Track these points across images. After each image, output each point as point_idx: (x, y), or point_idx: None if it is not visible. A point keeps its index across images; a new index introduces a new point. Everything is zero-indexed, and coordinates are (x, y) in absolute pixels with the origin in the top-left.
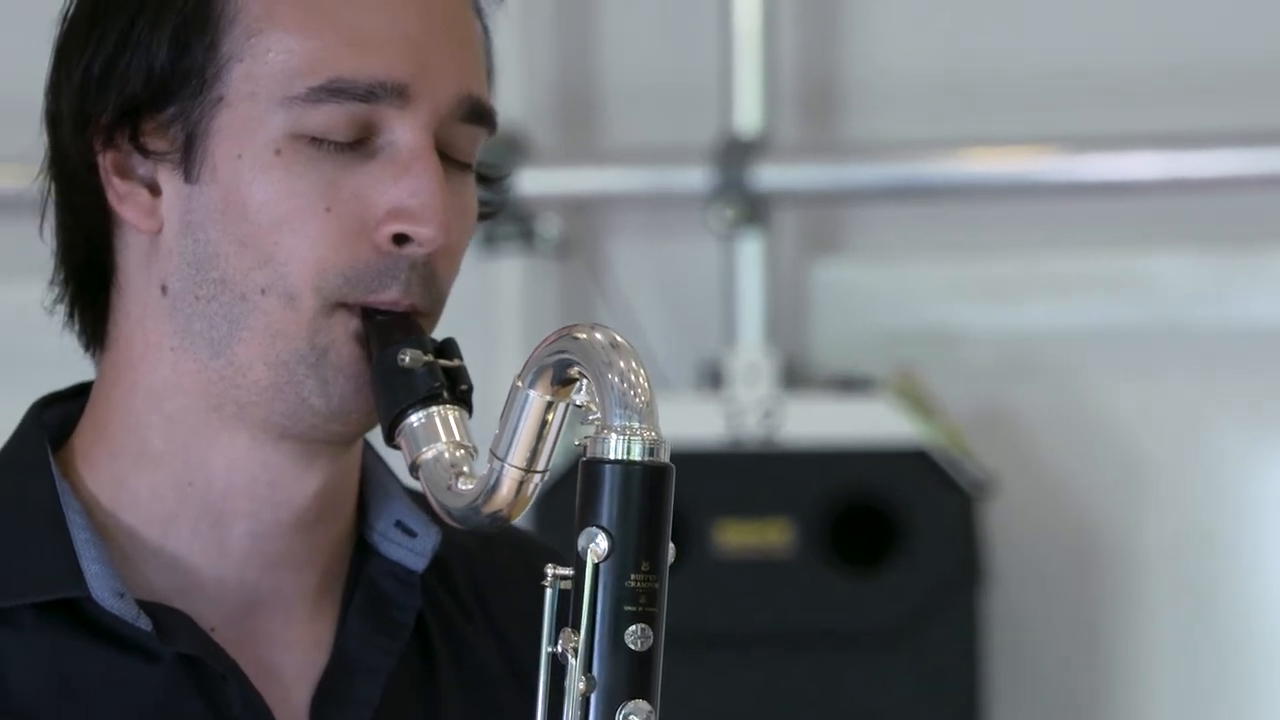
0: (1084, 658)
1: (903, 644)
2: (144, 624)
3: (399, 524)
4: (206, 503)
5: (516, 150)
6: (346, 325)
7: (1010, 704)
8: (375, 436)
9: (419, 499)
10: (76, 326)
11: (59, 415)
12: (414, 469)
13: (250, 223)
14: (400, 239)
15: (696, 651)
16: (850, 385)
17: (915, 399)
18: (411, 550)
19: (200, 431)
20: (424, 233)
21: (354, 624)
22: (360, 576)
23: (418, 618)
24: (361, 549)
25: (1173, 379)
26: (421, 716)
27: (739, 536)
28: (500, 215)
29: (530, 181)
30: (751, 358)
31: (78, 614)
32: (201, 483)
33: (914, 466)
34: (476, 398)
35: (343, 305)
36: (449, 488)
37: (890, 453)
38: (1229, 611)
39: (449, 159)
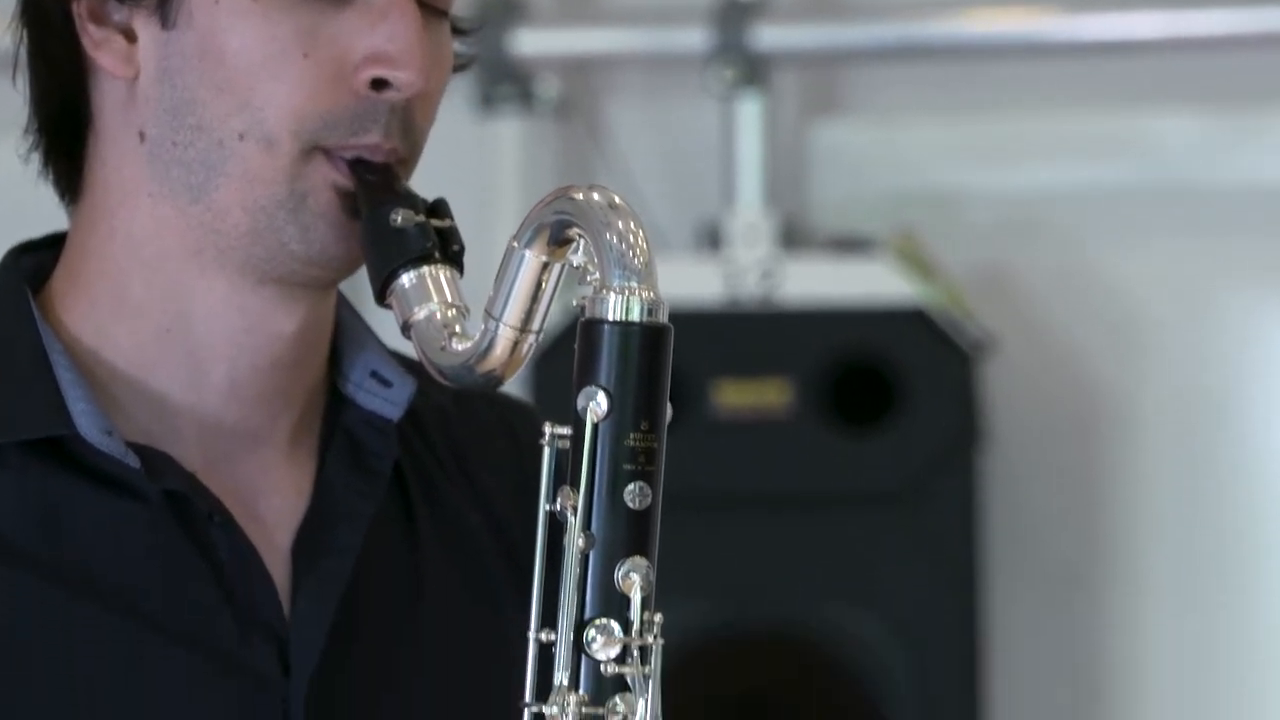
0: (1082, 518)
1: (901, 504)
2: (132, 461)
3: (374, 374)
4: (186, 348)
5: (514, 10)
6: (325, 171)
7: (1008, 564)
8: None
9: (394, 353)
10: (51, 175)
11: (33, 264)
12: (406, 329)
13: (227, 68)
14: (378, 84)
15: (694, 511)
16: (849, 246)
17: (915, 259)
18: (387, 400)
19: (179, 278)
20: (402, 77)
21: (332, 471)
22: (336, 425)
23: (395, 468)
24: (335, 401)
25: (1173, 239)
26: (401, 565)
27: (737, 397)
28: (497, 75)
29: (528, 42)
30: (750, 219)
31: (64, 453)
32: (181, 328)
33: (913, 327)
34: (475, 260)
35: (321, 150)
36: (442, 348)
37: (889, 313)
38: (1227, 472)
39: (426, 6)
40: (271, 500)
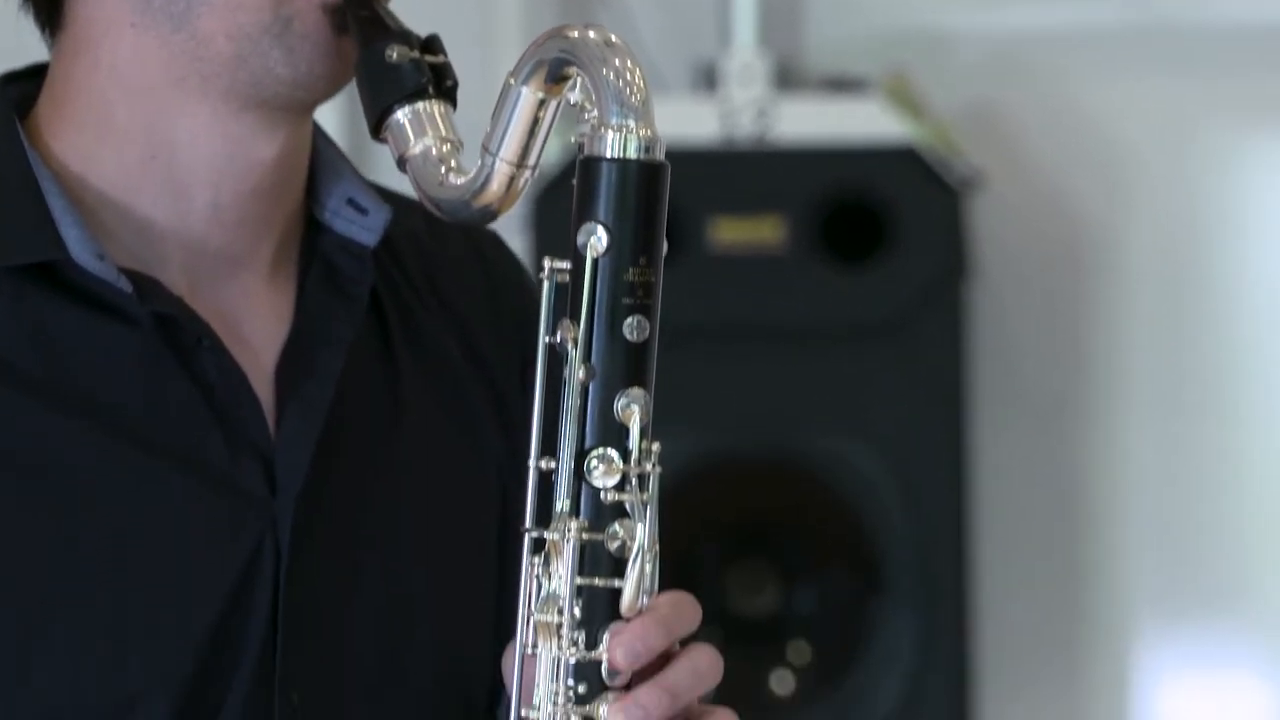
0: (1066, 348)
1: (891, 337)
2: (124, 285)
3: (350, 201)
4: (170, 174)
5: None
6: None
7: (994, 397)
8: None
9: (369, 183)
10: (32, 8)
11: (18, 93)
12: (401, 164)
13: None
14: None
15: (690, 344)
16: (842, 86)
17: (905, 99)
18: (364, 227)
19: (162, 106)
20: None
21: (311, 296)
22: (314, 252)
23: (372, 296)
24: (313, 229)
25: (1159, 76)
26: (381, 389)
27: (732, 233)
28: None
29: None
30: (745, 59)
31: (56, 278)
32: (165, 156)
33: (903, 165)
34: (474, 98)
35: None
36: (440, 182)
37: (880, 152)
38: (1208, 305)
39: None
40: (254, 325)
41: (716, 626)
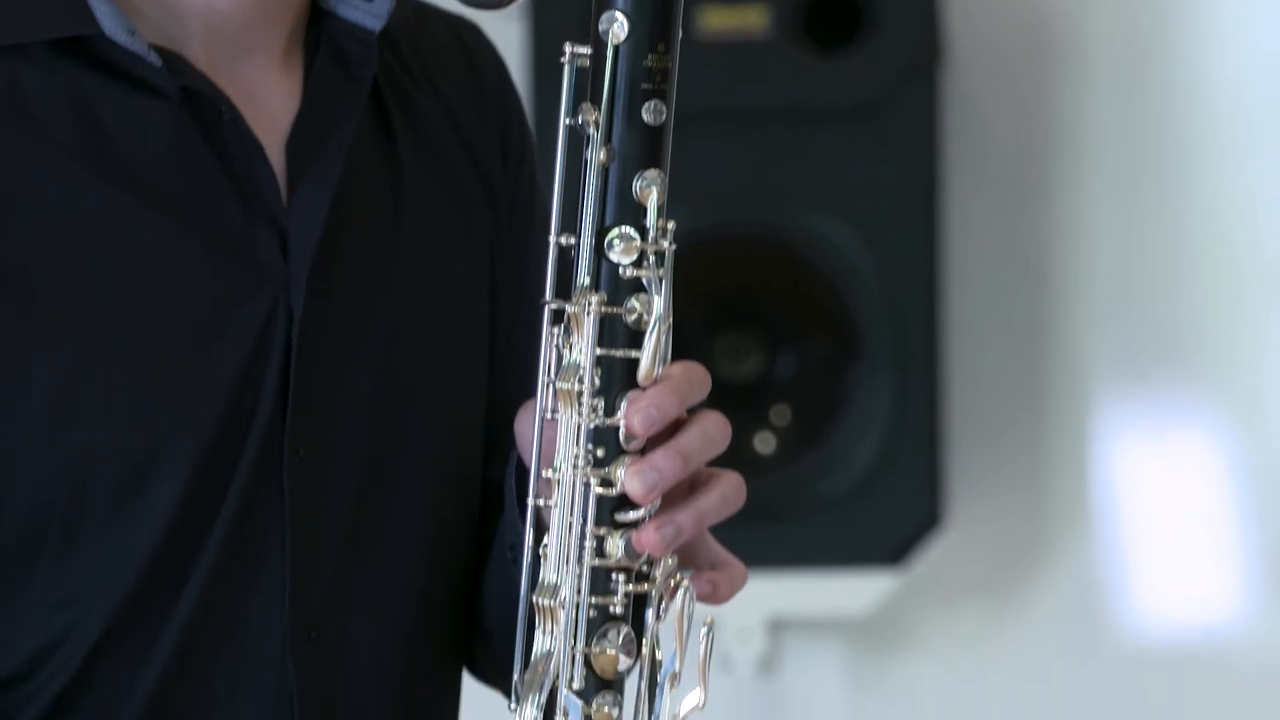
0: (1035, 134)
1: (868, 120)
2: (154, 59)
3: None
4: None
5: None
6: None
7: (965, 176)
8: None
9: None
10: None
11: None
12: None
13: None
14: None
15: (678, 126)
16: None
17: None
18: (368, 13)
19: None
20: None
21: (319, 77)
22: (321, 37)
23: (373, 80)
24: (319, 17)
25: None
26: (383, 169)
27: (719, 20)
28: None
29: None
30: None
31: (90, 53)
32: None
33: None
34: None
35: None
36: None
37: None
38: (1170, 89)
39: None
40: (268, 103)
41: None
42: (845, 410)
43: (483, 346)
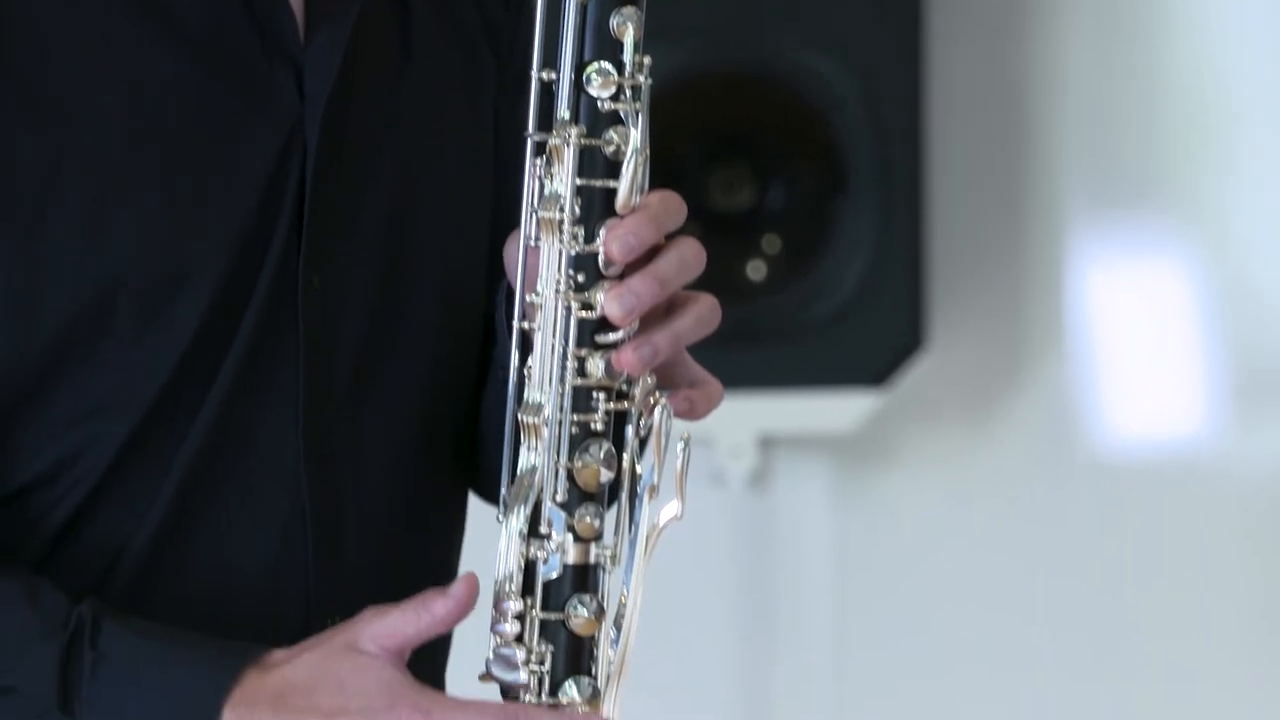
0: None
1: None
2: None
3: None
4: None
5: None
6: None
7: (950, 10)
8: None
9: None
10: None
11: None
12: None
13: None
14: None
15: None
16: None
17: None
18: None
19: None
20: None
21: None
22: None
23: None
24: None
25: None
26: (395, 12)
27: None
28: None
29: None
30: None
31: None
32: None
33: None
34: None
35: None
36: None
37: None
38: None
39: None
40: None
41: (698, 222)
42: (833, 238)
43: (487, 186)
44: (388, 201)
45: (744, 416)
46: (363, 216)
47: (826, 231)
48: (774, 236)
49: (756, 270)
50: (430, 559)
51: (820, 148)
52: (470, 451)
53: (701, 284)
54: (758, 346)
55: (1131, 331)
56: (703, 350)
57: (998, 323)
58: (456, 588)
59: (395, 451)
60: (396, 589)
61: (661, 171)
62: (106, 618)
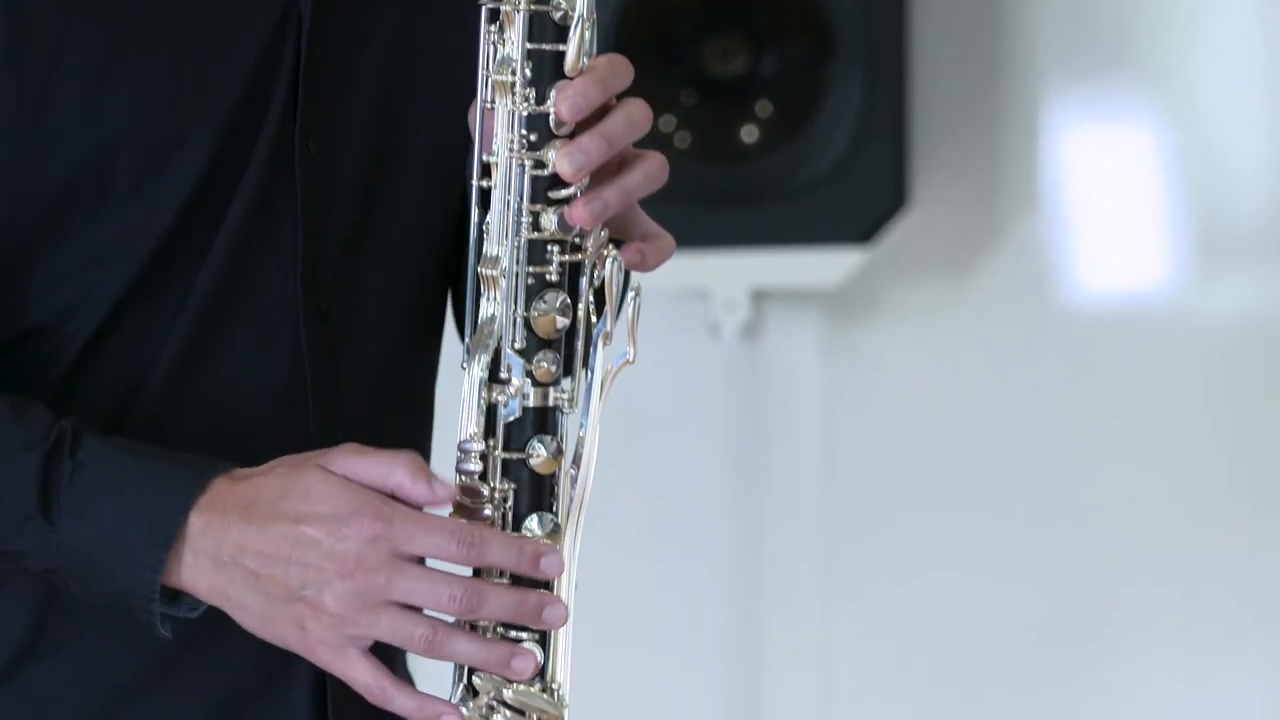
0: None
1: None
2: None
3: None
4: None
5: None
6: None
7: None
8: None
9: None
10: None
11: None
12: None
13: None
14: None
15: None
16: None
17: None
18: None
19: None
20: None
21: None
22: None
23: None
24: None
25: None
26: None
27: None
28: None
29: None
30: None
31: None
32: None
33: None
34: None
35: None
36: None
37: None
38: None
39: None
40: None
41: (695, 88)
42: (822, 103)
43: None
44: (380, 74)
45: (737, 272)
46: (355, 89)
47: (816, 97)
48: (766, 102)
49: (750, 134)
50: (421, 411)
51: (810, 17)
52: (460, 314)
53: (697, 146)
54: (751, 206)
55: (1102, 191)
56: (699, 209)
57: (976, 183)
58: (426, 486)
59: (388, 309)
60: (388, 438)
61: (658, 43)
62: (86, 433)
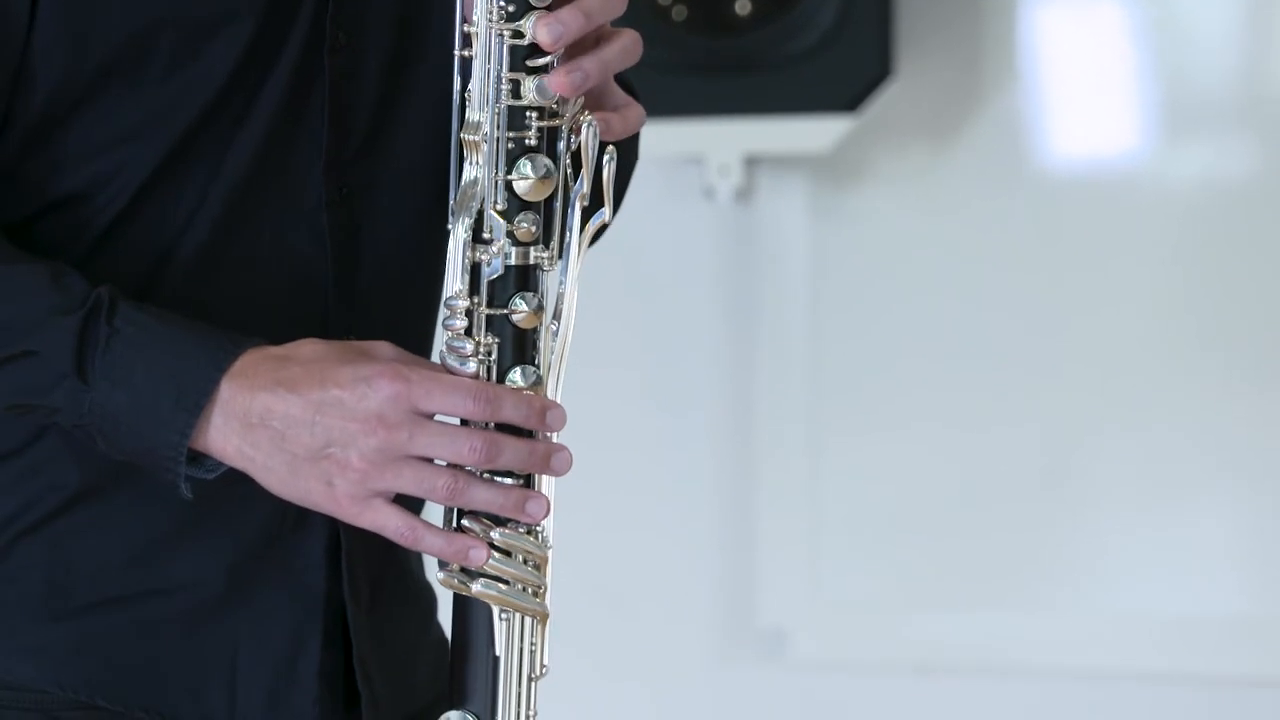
0: None
1: None
2: None
3: None
4: None
5: None
6: None
7: None
8: None
9: None
10: None
11: None
12: None
13: None
14: None
15: None
16: None
17: None
18: None
19: None
20: None
21: None
22: None
23: None
24: None
25: None
26: None
27: None
28: None
29: None
30: None
31: None
32: None
33: None
34: None
35: None
36: None
37: None
38: None
39: None
40: None
41: None
42: None
43: None
44: None
45: (731, 138)
46: None
47: None
48: None
49: (743, 7)
50: (433, 297)
51: None
52: None
53: (695, 18)
54: (744, 75)
55: (1076, 60)
56: (695, 78)
57: (958, 54)
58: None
59: (404, 197)
60: (400, 321)
61: None
62: (122, 301)
